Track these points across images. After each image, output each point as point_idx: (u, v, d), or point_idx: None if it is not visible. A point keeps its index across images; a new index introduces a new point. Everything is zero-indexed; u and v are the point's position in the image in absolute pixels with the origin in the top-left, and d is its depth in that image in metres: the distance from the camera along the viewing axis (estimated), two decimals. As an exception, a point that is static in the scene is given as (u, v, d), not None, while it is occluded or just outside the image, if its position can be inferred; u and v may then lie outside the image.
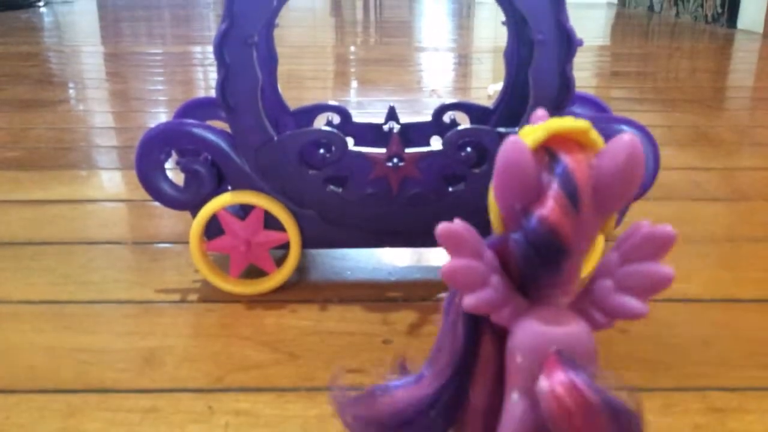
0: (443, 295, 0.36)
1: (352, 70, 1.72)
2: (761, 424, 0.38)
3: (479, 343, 0.32)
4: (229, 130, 0.49)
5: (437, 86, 1.42)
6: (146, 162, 0.51)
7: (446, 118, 0.62)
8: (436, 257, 0.60)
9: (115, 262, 0.59)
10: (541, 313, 0.30)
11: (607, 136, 0.49)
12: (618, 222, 0.56)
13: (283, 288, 0.53)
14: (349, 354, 0.45)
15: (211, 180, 0.51)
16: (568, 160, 0.28)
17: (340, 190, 0.50)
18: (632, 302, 0.29)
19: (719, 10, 2.58)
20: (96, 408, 0.40)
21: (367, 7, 3.55)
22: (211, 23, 2.90)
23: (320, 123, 0.60)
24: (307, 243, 0.53)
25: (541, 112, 0.32)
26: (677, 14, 2.97)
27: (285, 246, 0.52)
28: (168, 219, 0.69)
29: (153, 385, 0.42)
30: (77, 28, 2.74)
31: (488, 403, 0.32)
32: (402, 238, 0.53)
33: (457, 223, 0.29)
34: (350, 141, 0.62)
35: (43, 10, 3.18)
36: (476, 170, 0.49)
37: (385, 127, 0.62)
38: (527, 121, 0.45)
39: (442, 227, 0.29)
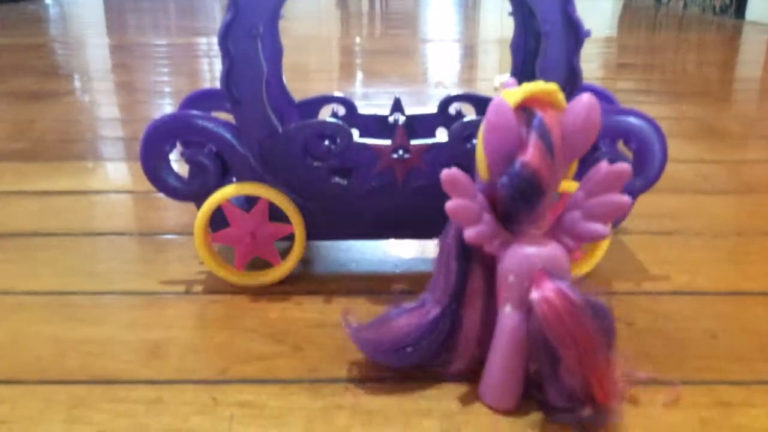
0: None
1: (358, 61, 1.71)
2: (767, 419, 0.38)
3: (469, 275, 0.38)
4: (233, 121, 0.49)
5: (443, 78, 1.42)
6: (150, 153, 0.50)
7: (452, 109, 0.62)
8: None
9: (120, 253, 0.60)
10: (525, 241, 0.37)
11: (616, 127, 0.49)
12: (617, 222, 0.56)
13: (287, 280, 0.53)
14: (354, 346, 0.45)
15: (215, 171, 0.51)
16: (543, 115, 0.35)
17: (345, 181, 0.50)
18: (596, 226, 0.36)
19: (727, 2, 2.56)
20: (101, 399, 0.40)
21: (373, -2, 3.53)
22: (216, 14, 2.89)
23: (325, 114, 0.60)
24: (312, 235, 0.52)
25: (511, 80, 0.39)
26: (685, 5, 2.95)
27: (290, 238, 0.52)
28: (173, 210, 0.69)
29: (158, 377, 0.42)
30: (82, 19, 2.74)
31: (479, 326, 0.38)
32: (408, 229, 0.53)
33: (457, 171, 0.36)
34: (355, 132, 0.62)
35: (48, 1, 3.18)
36: None
37: (391, 119, 0.62)
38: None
39: (446, 173, 0.36)
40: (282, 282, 0.53)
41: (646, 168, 0.50)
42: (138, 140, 0.95)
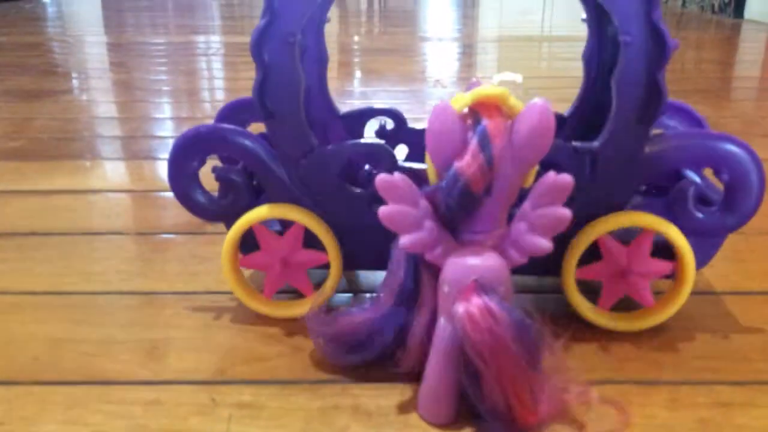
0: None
1: (356, 59, 1.71)
2: (769, 419, 0.37)
3: (420, 281, 0.38)
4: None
5: (442, 76, 1.41)
6: (178, 168, 0.47)
7: None
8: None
9: (118, 252, 0.59)
10: (465, 251, 0.36)
11: (705, 154, 0.43)
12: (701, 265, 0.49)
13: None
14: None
15: (247, 191, 0.47)
16: (487, 122, 0.34)
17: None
18: (539, 240, 0.35)
19: (726, 0, 2.56)
20: (98, 400, 0.39)
21: (372, -4, 3.53)
22: (214, 12, 2.89)
23: (372, 128, 0.58)
24: (351, 263, 0.48)
25: (475, 80, 0.39)
26: (684, 4, 2.95)
27: (325, 266, 0.47)
28: (171, 210, 0.69)
29: (156, 377, 0.42)
30: (80, 17, 2.73)
31: (426, 330, 0.38)
32: None
33: (396, 175, 0.35)
34: (404, 149, 0.58)
35: (46, 0, 3.17)
36: None
37: None
38: (609, 133, 0.42)
39: (381, 178, 0.35)
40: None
41: (740, 203, 0.43)
42: (136, 139, 0.95)
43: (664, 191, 0.45)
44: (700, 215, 0.44)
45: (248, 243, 0.47)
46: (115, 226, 0.65)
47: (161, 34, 2.19)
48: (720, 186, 0.45)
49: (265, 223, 0.47)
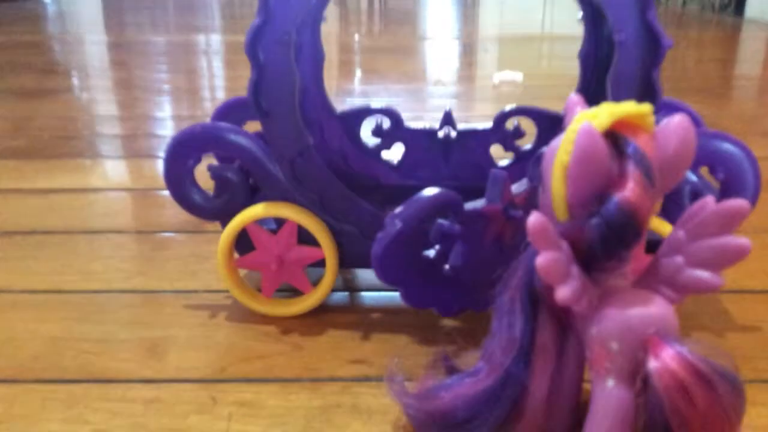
0: None
1: (357, 59, 1.71)
2: (769, 417, 0.38)
3: (537, 331, 0.32)
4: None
5: (442, 75, 1.41)
6: (174, 167, 0.47)
7: (509, 125, 0.57)
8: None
9: (119, 251, 0.59)
10: (622, 298, 0.30)
11: (702, 152, 0.43)
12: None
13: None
14: (353, 345, 0.45)
15: (242, 189, 0.47)
16: (638, 141, 0.29)
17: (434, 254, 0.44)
18: (705, 275, 0.30)
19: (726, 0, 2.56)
20: (98, 398, 0.39)
21: (372, -5, 3.52)
22: (214, 12, 2.89)
23: (369, 127, 0.58)
24: (346, 261, 0.48)
25: (576, 97, 0.33)
26: (684, 3, 2.94)
27: (323, 263, 0.47)
28: (171, 208, 0.69)
29: (156, 376, 0.42)
30: (80, 17, 2.73)
31: (548, 393, 0.32)
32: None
33: (540, 217, 0.29)
34: (401, 148, 0.58)
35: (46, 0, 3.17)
36: None
37: (441, 134, 0.57)
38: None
39: (534, 221, 0.28)
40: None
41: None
42: (136, 137, 0.95)
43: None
44: None
45: (244, 243, 0.47)
46: (116, 224, 0.65)
47: (162, 33, 2.19)
48: (715, 184, 0.45)
49: (261, 222, 0.47)
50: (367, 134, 0.58)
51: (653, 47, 0.40)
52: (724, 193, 0.44)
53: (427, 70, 1.52)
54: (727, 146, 0.43)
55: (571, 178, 0.29)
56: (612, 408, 0.30)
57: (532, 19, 2.68)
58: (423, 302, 0.43)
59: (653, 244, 0.44)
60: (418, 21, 2.70)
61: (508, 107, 0.56)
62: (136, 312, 0.49)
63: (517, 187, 0.44)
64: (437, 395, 0.34)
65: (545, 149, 0.31)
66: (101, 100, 1.22)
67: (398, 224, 0.40)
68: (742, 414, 0.29)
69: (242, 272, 0.51)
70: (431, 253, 0.42)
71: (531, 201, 0.42)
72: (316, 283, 0.48)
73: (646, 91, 0.41)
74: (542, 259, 0.28)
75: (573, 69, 0.54)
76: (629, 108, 0.30)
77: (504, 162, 0.57)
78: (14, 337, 0.46)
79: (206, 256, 0.57)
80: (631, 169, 0.29)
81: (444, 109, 0.58)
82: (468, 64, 1.64)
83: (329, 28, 2.39)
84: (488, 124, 0.57)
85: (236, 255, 0.48)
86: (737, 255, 0.29)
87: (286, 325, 0.47)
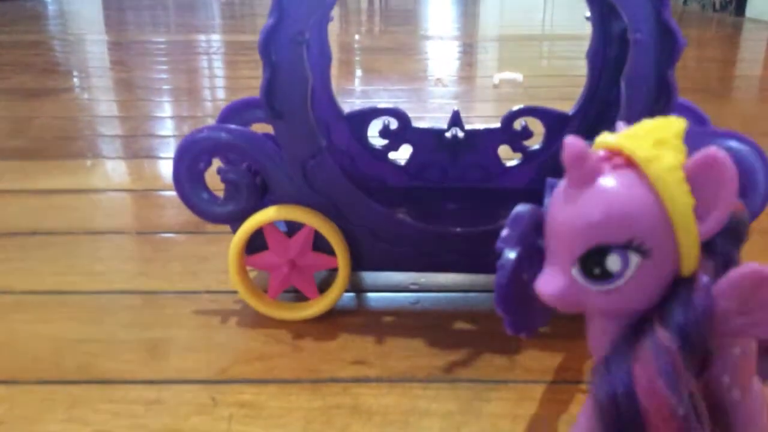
0: None
1: (357, 58, 1.71)
2: (769, 418, 0.37)
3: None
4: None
5: (442, 75, 1.41)
6: (183, 170, 0.46)
7: (517, 125, 0.56)
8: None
9: (120, 252, 0.59)
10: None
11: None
12: None
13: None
14: (353, 346, 0.45)
15: (252, 192, 0.46)
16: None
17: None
18: None
19: (727, -1, 2.56)
20: (99, 399, 0.39)
21: (372, -5, 3.52)
22: (215, 11, 2.89)
23: (377, 128, 0.58)
24: (358, 264, 0.48)
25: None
26: (685, 2, 2.94)
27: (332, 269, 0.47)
28: (172, 209, 0.69)
29: (157, 377, 0.42)
30: (81, 16, 2.73)
31: None
32: (462, 263, 0.47)
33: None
34: (409, 149, 0.58)
35: (47, -2, 3.17)
36: None
37: (448, 134, 0.57)
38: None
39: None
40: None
41: (747, 200, 0.42)
42: (138, 138, 0.95)
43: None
44: None
45: (252, 243, 0.47)
46: (117, 225, 0.65)
47: (162, 33, 2.19)
48: None
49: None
50: (374, 135, 0.58)
51: (669, 46, 0.40)
52: None
53: (427, 69, 1.52)
54: (739, 145, 0.42)
55: (722, 210, 0.24)
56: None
57: (532, 19, 2.68)
58: (523, 327, 0.37)
59: None
60: (419, 20, 2.70)
61: (516, 107, 0.56)
62: (136, 313, 0.49)
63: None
64: None
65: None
66: (102, 100, 1.22)
67: (515, 249, 0.34)
68: None
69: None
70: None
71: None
72: (321, 284, 0.48)
73: (661, 91, 0.41)
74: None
75: (574, 69, 0.54)
76: (676, 126, 0.26)
77: (512, 162, 0.57)
78: (15, 338, 0.46)
79: (207, 257, 0.58)
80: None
81: (444, 108, 0.58)
82: (468, 64, 1.64)
83: (330, 29, 2.39)
84: (496, 125, 0.56)
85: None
86: None
87: (287, 326, 0.47)
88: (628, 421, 0.24)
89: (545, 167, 0.56)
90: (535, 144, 0.57)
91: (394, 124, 0.58)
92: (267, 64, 0.41)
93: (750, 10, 2.45)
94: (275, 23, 0.41)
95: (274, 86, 0.42)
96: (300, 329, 0.46)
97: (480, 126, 0.57)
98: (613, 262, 0.25)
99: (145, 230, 0.64)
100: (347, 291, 0.52)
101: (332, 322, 0.47)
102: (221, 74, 1.52)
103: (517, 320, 0.36)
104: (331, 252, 0.46)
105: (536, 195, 0.39)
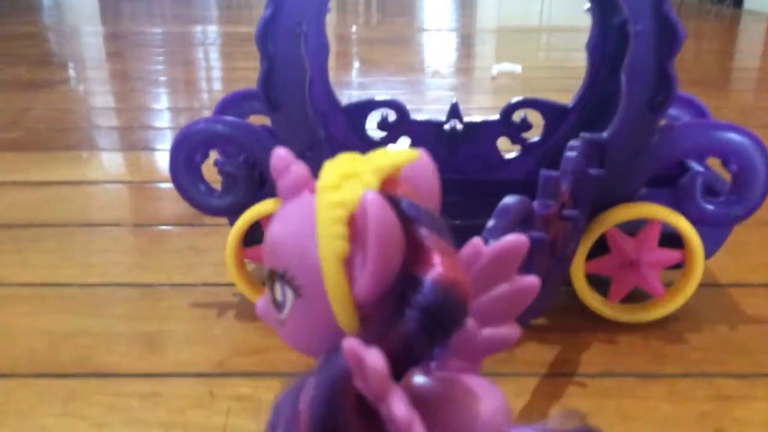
0: None
1: (354, 50, 1.70)
2: (769, 411, 0.37)
3: None
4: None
5: (440, 66, 1.41)
6: (180, 162, 0.46)
7: (516, 117, 0.56)
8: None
9: (116, 244, 0.59)
10: (456, 398, 0.24)
11: (712, 145, 0.43)
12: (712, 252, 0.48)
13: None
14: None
15: (249, 185, 0.46)
16: (407, 196, 0.22)
17: None
18: (501, 331, 0.25)
19: (726, -10, 2.55)
20: (96, 392, 0.39)
21: (370, -14, 3.51)
22: (211, 2, 2.87)
23: (374, 120, 0.57)
24: None
25: (285, 154, 0.24)
26: (683, -6, 2.93)
27: None
28: (169, 201, 0.68)
29: (153, 370, 0.41)
30: (77, 7, 2.71)
31: None
32: None
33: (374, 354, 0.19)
34: (407, 141, 0.57)
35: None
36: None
37: (447, 126, 0.56)
38: (618, 124, 0.41)
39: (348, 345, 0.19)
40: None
41: (747, 193, 0.43)
42: (133, 129, 0.94)
43: (666, 181, 0.45)
44: (708, 206, 0.44)
45: (249, 235, 0.47)
46: (113, 217, 0.65)
47: (158, 24, 2.18)
48: (726, 176, 0.45)
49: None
50: (372, 127, 0.57)
51: (669, 38, 0.40)
52: (735, 185, 0.43)
53: (425, 61, 1.51)
54: (740, 137, 0.42)
55: (373, 265, 0.20)
56: None
57: (530, 11, 2.67)
58: None
59: (668, 237, 0.44)
60: (416, 12, 2.69)
61: (515, 99, 0.56)
62: (133, 306, 0.49)
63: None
64: None
65: (276, 242, 0.22)
66: (98, 92, 1.21)
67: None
68: None
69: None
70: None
71: (575, 200, 0.41)
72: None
73: (662, 82, 0.41)
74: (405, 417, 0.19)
75: (571, 60, 0.54)
76: (388, 160, 0.22)
77: (512, 154, 0.57)
78: (10, 331, 0.45)
79: (204, 250, 0.57)
80: (426, 235, 0.21)
81: (442, 100, 0.58)
82: (466, 56, 1.64)
83: (327, 20, 2.38)
84: (495, 117, 0.56)
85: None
86: (529, 295, 0.25)
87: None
88: None
89: (544, 159, 0.55)
90: (534, 136, 0.56)
91: (392, 116, 0.57)
92: (264, 56, 0.41)
93: (748, 2, 2.45)
94: (272, 15, 0.40)
95: (271, 78, 0.42)
96: (298, 322, 0.46)
97: (479, 118, 0.57)
98: (278, 291, 0.22)
99: (142, 222, 0.63)
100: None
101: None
102: (218, 65, 1.51)
103: None
104: None
105: (535, 187, 0.39)
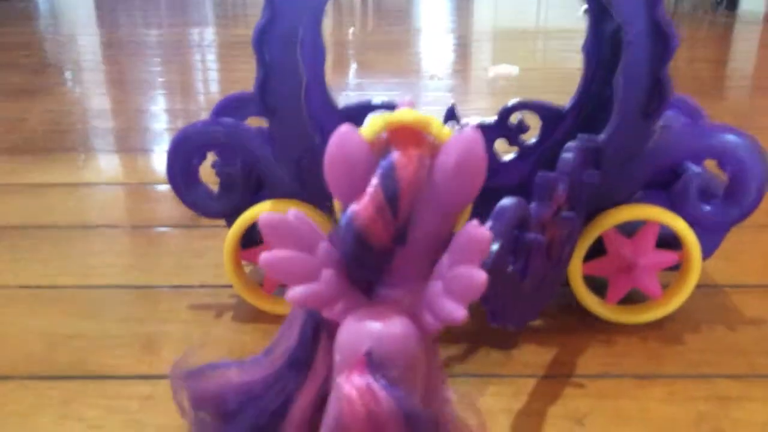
0: None
1: (351, 53, 1.70)
2: (766, 413, 0.37)
3: (316, 346, 0.31)
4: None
5: (437, 70, 1.41)
6: (178, 165, 0.46)
7: (513, 119, 0.56)
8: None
9: (113, 246, 0.59)
10: (367, 311, 0.28)
11: (708, 146, 0.43)
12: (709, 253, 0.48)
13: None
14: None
15: (246, 187, 0.46)
16: (396, 155, 0.27)
17: None
18: (451, 306, 0.27)
19: (720, -5, 2.56)
20: (93, 395, 0.39)
21: (366, -11, 3.51)
22: (207, 7, 2.87)
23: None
24: None
25: (408, 99, 0.30)
26: (677, 1, 2.95)
27: None
28: (166, 203, 0.68)
29: (151, 372, 0.41)
30: (73, 15, 2.71)
31: (313, 405, 0.31)
32: None
33: (289, 213, 0.27)
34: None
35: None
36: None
37: None
38: (613, 128, 0.42)
39: (263, 216, 0.27)
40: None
41: (743, 195, 0.43)
42: (130, 131, 0.94)
43: (661, 183, 0.45)
44: (705, 207, 0.44)
45: (246, 237, 0.47)
46: (110, 219, 0.65)
47: (154, 29, 2.18)
48: (723, 178, 0.45)
49: None
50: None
51: (662, 45, 0.40)
52: (731, 187, 0.43)
53: (421, 64, 1.52)
54: (736, 139, 0.42)
55: (326, 178, 0.28)
56: (330, 417, 0.28)
57: (526, 13, 2.68)
58: (509, 319, 0.39)
59: (666, 240, 0.44)
60: (412, 15, 2.70)
61: (512, 101, 0.56)
62: (131, 308, 0.49)
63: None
64: (210, 375, 0.32)
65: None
66: (94, 95, 1.21)
67: (497, 241, 0.34)
68: None
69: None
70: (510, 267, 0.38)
71: (571, 202, 0.41)
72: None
73: (656, 88, 0.41)
74: (265, 256, 0.27)
75: (568, 63, 0.54)
76: (404, 116, 0.27)
77: (508, 156, 0.57)
78: (7, 333, 0.45)
79: (201, 251, 0.57)
80: (374, 185, 0.27)
81: (439, 102, 0.58)
82: (463, 58, 1.64)
83: (324, 24, 2.38)
84: (492, 118, 0.56)
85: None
86: (475, 289, 0.26)
87: (281, 321, 0.47)
88: None
89: (541, 161, 0.55)
90: (531, 138, 0.57)
91: None
92: (261, 62, 0.41)
93: (742, 9, 2.46)
94: (268, 21, 0.41)
95: (268, 84, 0.42)
96: (295, 324, 0.46)
97: (476, 120, 0.57)
98: None
99: (139, 224, 0.63)
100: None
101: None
102: (215, 68, 1.51)
103: (502, 313, 0.37)
104: None
105: (531, 189, 0.39)
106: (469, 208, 0.30)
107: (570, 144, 0.42)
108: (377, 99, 0.58)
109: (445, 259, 0.28)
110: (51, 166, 0.80)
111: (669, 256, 0.45)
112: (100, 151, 0.87)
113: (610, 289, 0.46)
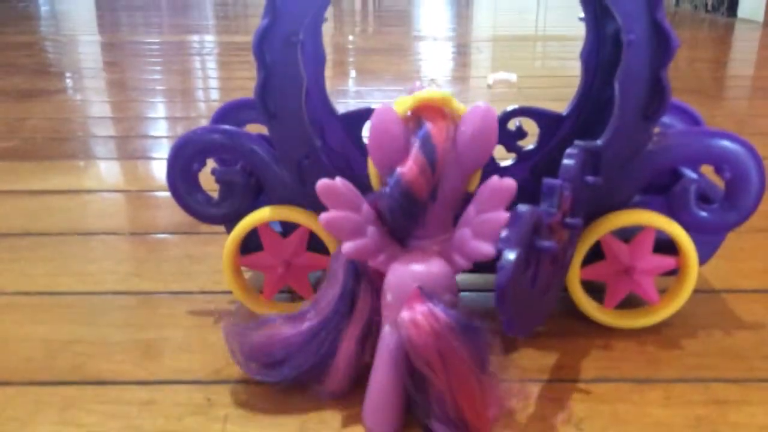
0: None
1: (351, 59, 1.71)
2: (764, 417, 0.38)
3: (358, 292, 0.37)
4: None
5: (436, 75, 1.41)
6: (177, 171, 0.46)
7: (511, 125, 0.56)
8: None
9: (113, 253, 0.59)
10: (409, 257, 0.35)
11: (706, 152, 0.43)
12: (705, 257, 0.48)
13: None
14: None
15: (246, 193, 0.46)
16: (429, 126, 0.34)
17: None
18: (483, 245, 0.34)
19: (719, -1, 2.57)
20: (93, 400, 0.39)
21: (366, -4, 3.52)
22: (208, 12, 2.88)
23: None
24: None
25: (418, 83, 0.39)
26: (677, 3, 2.95)
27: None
28: (166, 210, 0.68)
29: (151, 377, 0.41)
30: (74, 17, 2.72)
31: (356, 345, 0.37)
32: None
33: (337, 180, 0.35)
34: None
35: (39, -1, 3.16)
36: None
37: None
38: (612, 131, 0.42)
39: (321, 183, 0.34)
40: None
41: (740, 200, 0.43)
42: (131, 138, 0.95)
43: (659, 189, 0.45)
44: (702, 213, 0.44)
45: (246, 243, 0.47)
46: (110, 226, 0.65)
47: (155, 34, 2.18)
48: (720, 184, 0.45)
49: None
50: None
51: (662, 47, 0.40)
52: (729, 192, 0.44)
53: (421, 70, 1.52)
54: (734, 145, 0.43)
55: (369, 150, 0.35)
56: (384, 350, 0.35)
57: (525, 20, 2.69)
58: (521, 328, 0.38)
59: (662, 244, 0.45)
60: (412, 21, 2.70)
61: (510, 107, 0.56)
62: (130, 314, 0.49)
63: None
64: (263, 328, 0.38)
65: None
66: (95, 101, 1.21)
67: (515, 250, 0.33)
68: (486, 361, 0.34)
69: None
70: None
71: (574, 208, 0.41)
72: (316, 284, 0.48)
73: (655, 91, 0.41)
74: (325, 216, 0.34)
75: (567, 69, 0.54)
76: (432, 94, 0.35)
77: (506, 162, 0.57)
78: (7, 339, 0.46)
79: (201, 258, 0.57)
80: (415, 150, 0.34)
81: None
82: (462, 65, 1.64)
83: (324, 29, 2.39)
84: None
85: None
86: (498, 227, 0.34)
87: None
88: None
89: (539, 167, 0.56)
90: (529, 144, 0.57)
91: None
92: (261, 66, 0.41)
93: (742, 11, 2.46)
94: (269, 24, 0.41)
95: (268, 87, 0.42)
96: (295, 329, 0.46)
97: None
98: None
99: (139, 231, 0.64)
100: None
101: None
102: (215, 75, 1.51)
103: (516, 321, 0.37)
104: (326, 252, 0.46)
105: (529, 194, 0.39)
106: (480, 172, 0.36)
107: (570, 150, 0.42)
108: (376, 105, 0.58)
109: (471, 209, 0.35)
110: (51, 172, 0.80)
111: (666, 261, 0.45)
112: (100, 158, 0.87)
113: (608, 293, 0.46)
